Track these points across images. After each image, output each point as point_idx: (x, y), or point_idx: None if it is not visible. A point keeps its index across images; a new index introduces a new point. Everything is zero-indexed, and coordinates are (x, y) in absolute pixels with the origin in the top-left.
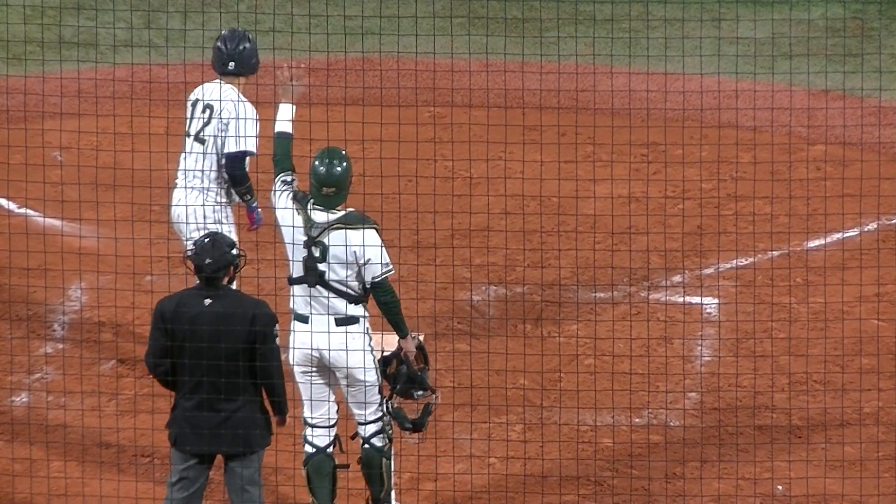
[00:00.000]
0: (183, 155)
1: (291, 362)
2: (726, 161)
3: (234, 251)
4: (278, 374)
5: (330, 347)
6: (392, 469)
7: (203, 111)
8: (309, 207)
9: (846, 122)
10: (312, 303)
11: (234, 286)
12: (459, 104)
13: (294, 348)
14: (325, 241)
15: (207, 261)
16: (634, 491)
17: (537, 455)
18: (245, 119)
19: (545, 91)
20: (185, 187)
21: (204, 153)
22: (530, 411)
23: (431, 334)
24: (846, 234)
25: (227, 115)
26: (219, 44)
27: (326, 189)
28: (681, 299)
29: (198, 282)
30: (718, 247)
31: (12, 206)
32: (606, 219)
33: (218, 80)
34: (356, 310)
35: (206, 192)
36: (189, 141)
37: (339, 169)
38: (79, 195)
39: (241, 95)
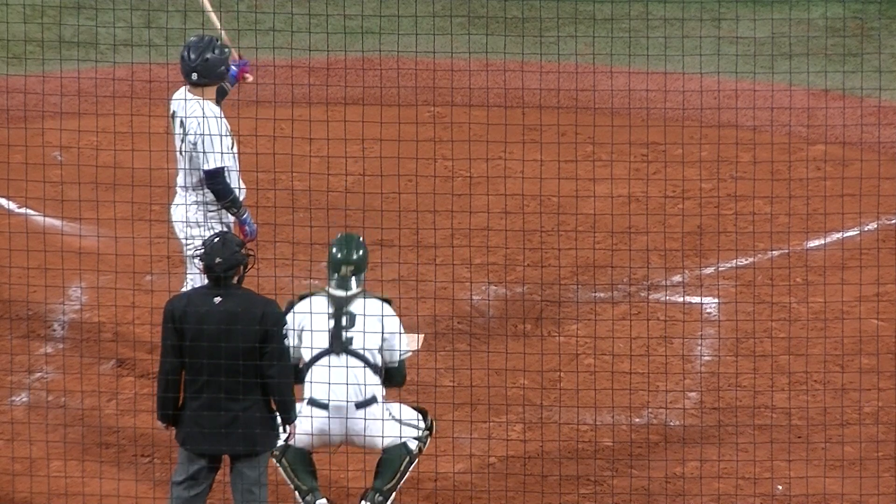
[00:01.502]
0: (177, 171)
1: (301, 444)
2: (726, 161)
3: (243, 251)
4: (286, 374)
5: (357, 432)
6: (407, 474)
7: (179, 127)
8: (327, 289)
9: (846, 122)
10: (332, 384)
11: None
12: (459, 103)
13: (312, 434)
14: (353, 308)
15: (217, 260)
16: (634, 490)
17: (537, 454)
18: (211, 135)
19: (545, 90)
20: (180, 204)
21: (187, 169)
22: (530, 411)
23: (431, 334)
24: (846, 234)
25: (192, 132)
26: (183, 53)
27: (345, 268)
28: (681, 299)
29: (207, 281)
30: (718, 246)
31: (12, 205)
32: (606, 218)
33: (185, 88)
34: (376, 382)
35: (199, 205)
36: (177, 157)
37: (357, 252)
38: (79, 194)
39: (207, 108)
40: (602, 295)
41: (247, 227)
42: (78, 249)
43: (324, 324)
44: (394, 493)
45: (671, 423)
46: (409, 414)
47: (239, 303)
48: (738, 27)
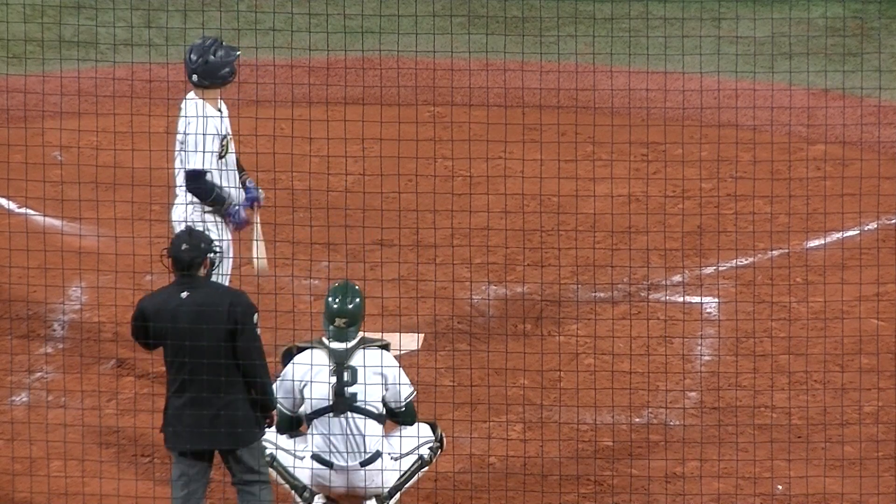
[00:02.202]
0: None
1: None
2: (726, 160)
3: (211, 244)
4: (264, 372)
5: (360, 484)
6: (415, 477)
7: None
8: (324, 341)
9: (846, 122)
10: (335, 443)
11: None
12: (459, 103)
13: (313, 484)
14: (354, 362)
15: (184, 247)
16: (634, 490)
17: (537, 454)
18: (196, 134)
19: (545, 90)
20: (179, 204)
21: (181, 168)
22: (530, 410)
23: (431, 334)
24: (846, 234)
25: (182, 131)
26: (186, 55)
27: (339, 320)
28: (681, 299)
29: (175, 278)
30: (718, 246)
31: (12, 205)
32: (606, 218)
33: (192, 92)
34: (379, 433)
35: (194, 205)
36: (175, 156)
37: (352, 303)
38: (79, 194)
39: (199, 110)
40: (602, 294)
41: (232, 218)
42: (78, 249)
43: (324, 378)
44: (399, 493)
45: (671, 423)
46: (412, 433)
47: (206, 294)
48: (738, 27)
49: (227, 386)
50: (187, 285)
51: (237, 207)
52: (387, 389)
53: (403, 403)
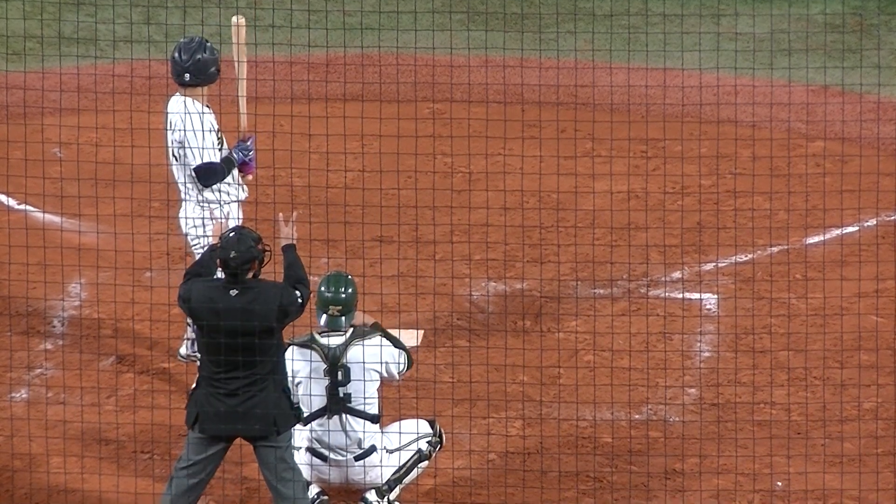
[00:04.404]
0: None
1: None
2: (725, 157)
3: (260, 246)
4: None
5: (358, 476)
6: (414, 472)
7: (168, 125)
8: (317, 338)
9: (845, 118)
10: (330, 439)
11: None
12: (459, 100)
13: (311, 479)
14: (345, 361)
15: (233, 254)
16: (634, 487)
17: (536, 451)
18: (194, 131)
19: (544, 87)
20: (182, 200)
21: (177, 165)
22: (529, 407)
23: (431, 330)
24: (845, 230)
25: (176, 129)
26: (174, 54)
27: (333, 308)
28: (680, 295)
29: (223, 275)
30: (718, 242)
31: (12, 202)
32: (606, 215)
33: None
34: (374, 431)
35: (196, 202)
36: (167, 154)
37: (345, 292)
38: (78, 191)
39: (190, 107)
40: (601, 291)
41: (247, 159)
42: (77, 246)
43: (319, 378)
44: (399, 487)
45: (670, 420)
46: (409, 428)
47: (256, 295)
48: (737, 23)
49: (263, 378)
50: (236, 286)
51: (237, 156)
52: (381, 376)
53: (399, 374)
